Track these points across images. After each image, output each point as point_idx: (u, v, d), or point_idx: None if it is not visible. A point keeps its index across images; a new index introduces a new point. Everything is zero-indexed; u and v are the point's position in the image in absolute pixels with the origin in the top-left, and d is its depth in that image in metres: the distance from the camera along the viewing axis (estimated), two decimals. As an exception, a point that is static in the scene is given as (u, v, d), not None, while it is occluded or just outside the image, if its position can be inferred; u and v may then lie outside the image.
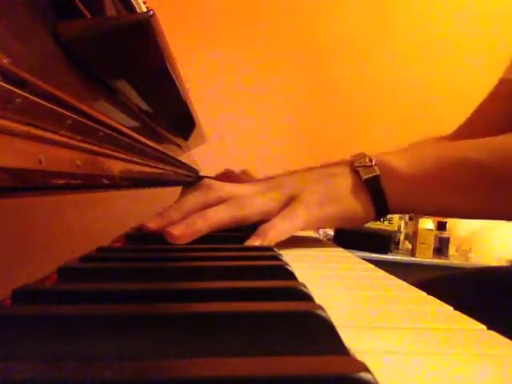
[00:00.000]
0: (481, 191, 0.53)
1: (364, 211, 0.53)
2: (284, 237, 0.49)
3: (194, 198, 0.51)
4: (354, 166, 0.54)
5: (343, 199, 0.53)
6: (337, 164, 0.56)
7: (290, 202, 0.51)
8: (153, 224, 0.48)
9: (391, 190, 0.53)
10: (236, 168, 1.03)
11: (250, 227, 0.49)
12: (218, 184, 0.53)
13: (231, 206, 0.49)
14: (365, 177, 0.53)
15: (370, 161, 0.54)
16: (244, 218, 0.50)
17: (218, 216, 0.48)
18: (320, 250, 0.54)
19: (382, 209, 0.53)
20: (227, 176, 0.98)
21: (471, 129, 0.87)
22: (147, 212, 0.68)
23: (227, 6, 2.35)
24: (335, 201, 0.52)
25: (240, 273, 0.30)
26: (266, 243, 0.46)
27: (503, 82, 0.84)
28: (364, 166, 0.53)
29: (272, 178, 0.57)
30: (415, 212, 0.57)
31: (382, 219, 2.00)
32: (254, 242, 0.46)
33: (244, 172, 1.02)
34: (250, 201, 0.50)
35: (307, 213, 0.50)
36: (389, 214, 0.54)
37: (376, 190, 0.53)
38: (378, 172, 0.53)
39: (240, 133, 2.33)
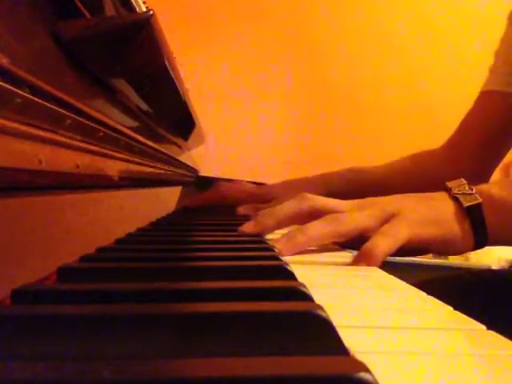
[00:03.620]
0: None
1: (464, 239, 0.51)
2: (387, 255, 0.46)
3: (288, 206, 0.52)
4: (453, 193, 0.52)
5: (445, 223, 0.51)
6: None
7: (388, 219, 0.49)
8: (247, 229, 0.52)
9: (492, 220, 0.51)
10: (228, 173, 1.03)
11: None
12: (312, 195, 0.53)
13: (329, 222, 0.48)
14: (466, 204, 0.51)
15: (470, 188, 0.52)
16: (342, 233, 0.49)
17: (317, 231, 0.48)
18: (320, 250, 0.54)
19: (481, 239, 0.51)
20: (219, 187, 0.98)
21: (459, 143, 0.88)
22: (147, 212, 0.68)
23: (227, 6, 2.35)
24: (437, 223, 0.50)
25: (240, 273, 0.30)
26: (372, 265, 0.44)
27: (484, 95, 0.84)
28: (464, 193, 0.51)
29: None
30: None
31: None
32: (359, 263, 0.44)
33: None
34: (348, 216, 0.49)
35: (409, 231, 0.48)
36: (487, 245, 0.53)
37: (478, 218, 0.51)
38: (479, 200, 0.51)
39: (240, 133, 2.33)
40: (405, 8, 2.40)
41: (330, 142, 2.30)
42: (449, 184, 0.53)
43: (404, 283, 0.36)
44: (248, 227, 0.52)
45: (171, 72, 0.49)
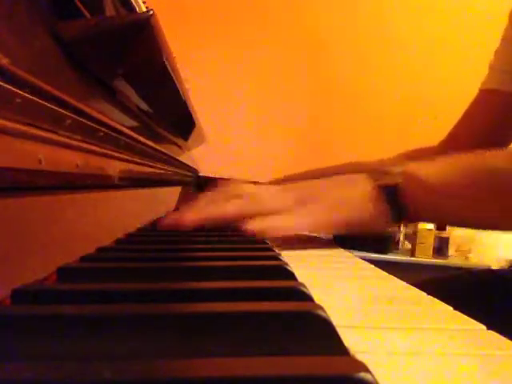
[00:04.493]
0: (509, 204, 0.51)
1: (380, 218, 0.52)
2: (289, 232, 0.49)
3: (207, 197, 0.53)
4: (374, 173, 0.53)
5: (360, 204, 0.52)
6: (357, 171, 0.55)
7: (305, 203, 0.51)
8: (166, 220, 0.51)
9: (410, 198, 0.51)
10: (226, 174, 1.04)
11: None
12: (232, 184, 0.54)
13: (244, 200, 0.50)
14: (381, 182, 0.52)
15: (390, 167, 0.53)
16: (255, 211, 0.50)
17: (230, 206, 0.49)
18: (320, 250, 0.54)
19: (398, 216, 0.52)
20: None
21: (456, 140, 0.89)
22: (147, 212, 0.68)
23: (227, 6, 2.35)
24: (352, 205, 0.52)
25: (240, 273, 0.30)
26: (263, 235, 0.46)
27: (483, 93, 0.85)
28: (383, 172, 0.53)
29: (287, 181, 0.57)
30: (436, 222, 0.57)
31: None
32: (252, 226, 0.46)
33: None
34: (264, 197, 0.51)
35: (319, 215, 0.50)
36: (406, 221, 0.54)
37: (392, 196, 0.51)
38: (397, 180, 0.52)
39: (240, 133, 2.33)
40: (406, 6, 2.40)
41: (332, 141, 2.30)
42: (374, 165, 0.56)
43: (404, 283, 0.37)
44: (166, 219, 0.51)
45: (171, 72, 0.49)
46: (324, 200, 0.51)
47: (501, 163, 0.51)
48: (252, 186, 0.54)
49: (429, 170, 0.53)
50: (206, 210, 0.49)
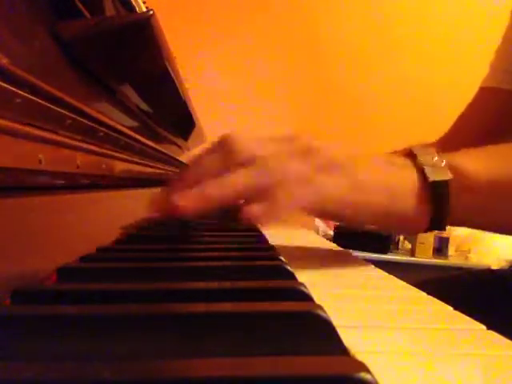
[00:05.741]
0: None
1: (416, 219, 0.42)
2: (302, 205, 0.38)
3: (202, 166, 0.41)
4: (419, 163, 0.42)
5: (398, 195, 0.41)
6: (397, 155, 0.45)
7: (331, 171, 0.40)
8: (158, 205, 0.40)
9: (459, 202, 0.42)
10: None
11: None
12: (241, 143, 0.40)
13: (256, 172, 0.38)
14: (432, 179, 0.41)
15: (441, 159, 0.42)
16: (270, 186, 0.38)
17: (237, 185, 0.38)
18: (320, 250, 0.54)
19: (439, 221, 0.43)
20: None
21: (455, 137, 0.88)
22: (147, 212, 0.68)
23: (227, 6, 2.35)
24: (387, 193, 0.41)
25: (240, 273, 0.30)
26: (277, 212, 0.37)
27: (483, 91, 0.85)
28: (433, 165, 0.42)
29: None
30: (484, 227, 0.47)
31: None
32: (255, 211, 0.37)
33: None
34: (281, 166, 0.39)
35: (346, 190, 0.39)
36: (445, 228, 0.44)
37: (441, 197, 0.41)
38: (450, 176, 0.41)
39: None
40: (406, 7, 2.40)
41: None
42: (414, 149, 0.43)
43: (404, 283, 0.37)
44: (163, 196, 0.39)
45: (171, 72, 0.49)
46: (358, 175, 0.40)
47: None
48: (265, 145, 0.40)
49: (479, 165, 0.43)
50: (205, 192, 0.37)
